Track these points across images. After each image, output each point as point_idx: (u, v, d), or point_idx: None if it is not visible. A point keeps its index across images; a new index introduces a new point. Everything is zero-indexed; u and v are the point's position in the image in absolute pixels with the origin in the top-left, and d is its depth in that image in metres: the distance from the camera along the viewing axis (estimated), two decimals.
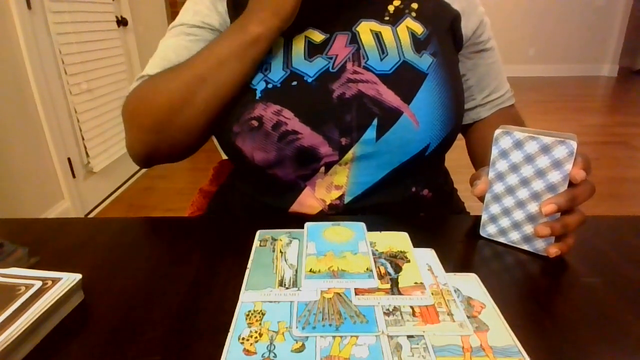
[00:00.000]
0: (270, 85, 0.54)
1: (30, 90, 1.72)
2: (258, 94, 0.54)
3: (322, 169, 0.55)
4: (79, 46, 2.00)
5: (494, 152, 0.46)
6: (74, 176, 1.98)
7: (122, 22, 2.41)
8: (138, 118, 0.56)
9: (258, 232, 0.49)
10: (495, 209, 0.48)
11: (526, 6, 5.52)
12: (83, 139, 2.04)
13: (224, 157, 0.94)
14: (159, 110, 0.53)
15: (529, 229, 0.46)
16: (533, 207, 0.45)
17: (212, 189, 0.82)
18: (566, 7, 5.52)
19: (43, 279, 0.38)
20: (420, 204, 0.60)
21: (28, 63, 1.69)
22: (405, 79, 0.54)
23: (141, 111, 0.55)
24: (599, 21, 5.58)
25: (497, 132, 0.45)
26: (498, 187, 0.47)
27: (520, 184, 0.45)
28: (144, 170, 2.63)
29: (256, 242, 0.48)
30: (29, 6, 1.71)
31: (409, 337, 0.34)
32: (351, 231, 0.49)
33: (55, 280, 0.37)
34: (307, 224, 0.50)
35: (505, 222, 0.47)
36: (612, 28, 5.60)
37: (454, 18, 0.59)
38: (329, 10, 0.57)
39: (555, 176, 0.43)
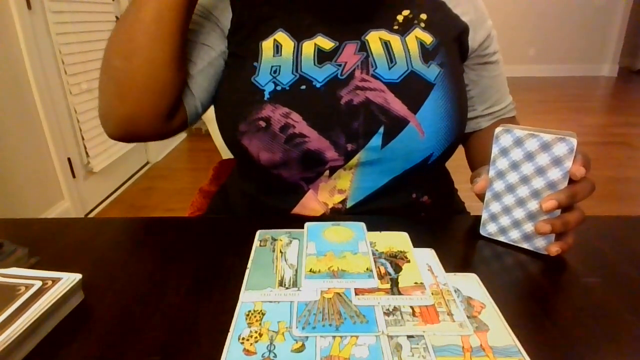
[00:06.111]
0: (279, 88, 0.54)
1: (30, 90, 1.72)
2: (266, 95, 0.54)
3: (327, 172, 0.56)
4: (79, 46, 2.00)
5: (495, 150, 0.46)
6: (74, 176, 1.98)
7: None
8: (104, 62, 0.53)
9: (258, 232, 0.49)
10: (495, 207, 0.48)
11: (526, 6, 5.51)
12: (83, 139, 2.04)
13: (224, 157, 0.95)
14: (114, 42, 0.52)
15: (529, 227, 0.46)
16: (533, 205, 0.45)
17: (212, 189, 0.82)
18: (566, 7, 5.51)
19: (43, 279, 0.38)
20: (420, 209, 0.61)
21: (28, 63, 1.69)
22: (412, 89, 0.54)
23: (105, 57, 0.53)
24: (599, 21, 5.57)
25: (498, 130, 0.45)
26: (498, 185, 0.47)
27: (521, 182, 0.45)
28: (144, 170, 2.63)
29: (256, 242, 0.48)
30: (29, 6, 1.71)
31: (409, 337, 0.34)
32: (351, 231, 0.49)
33: (55, 280, 0.37)
34: (307, 224, 0.50)
35: (505, 221, 0.47)
36: (612, 28, 5.59)
37: (462, 30, 0.60)
38: (339, 19, 0.58)
39: (555, 173, 0.43)
